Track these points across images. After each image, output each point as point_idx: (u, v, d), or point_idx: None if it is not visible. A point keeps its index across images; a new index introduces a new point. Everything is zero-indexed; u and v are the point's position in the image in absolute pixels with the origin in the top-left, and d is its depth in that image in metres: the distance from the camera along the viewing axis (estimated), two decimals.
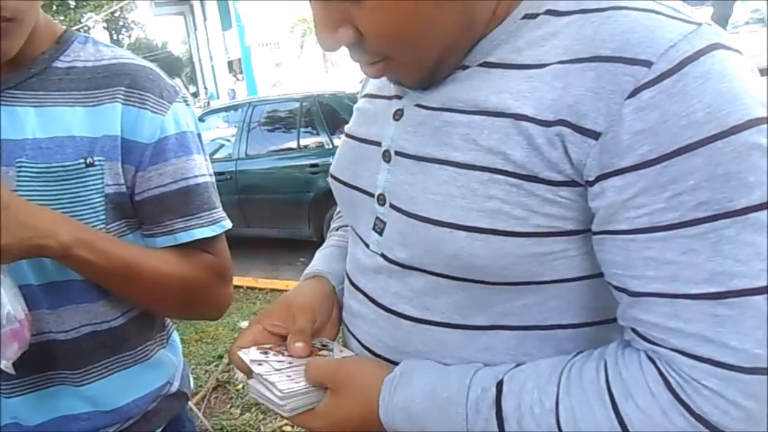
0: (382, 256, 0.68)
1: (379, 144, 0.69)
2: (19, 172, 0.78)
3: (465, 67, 0.63)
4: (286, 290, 4.55)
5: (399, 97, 0.69)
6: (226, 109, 6.79)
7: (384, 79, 0.75)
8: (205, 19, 28.23)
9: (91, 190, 0.81)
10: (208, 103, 21.12)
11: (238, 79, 22.64)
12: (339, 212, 0.95)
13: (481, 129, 0.59)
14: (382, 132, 0.69)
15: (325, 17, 0.59)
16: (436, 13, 0.57)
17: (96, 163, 0.81)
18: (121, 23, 35.67)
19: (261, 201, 5.48)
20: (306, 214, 5.22)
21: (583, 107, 0.53)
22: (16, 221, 0.71)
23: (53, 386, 0.85)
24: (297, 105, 5.70)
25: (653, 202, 0.50)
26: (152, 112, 0.84)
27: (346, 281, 0.77)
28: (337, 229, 0.95)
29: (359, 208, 0.72)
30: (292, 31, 18.16)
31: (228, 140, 5.99)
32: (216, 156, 5.92)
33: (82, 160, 0.80)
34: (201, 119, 6.61)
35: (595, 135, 0.52)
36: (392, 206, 0.66)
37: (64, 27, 0.89)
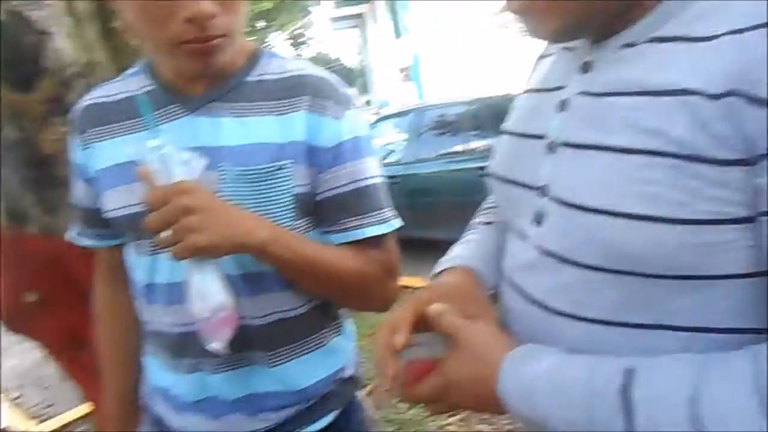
0: (539, 248, 0.67)
1: (542, 137, 0.68)
2: (221, 175, 0.89)
3: (632, 45, 0.61)
4: None
5: (561, 88, 0.68)
6: (397, 115, 7.01)
7: (547, 71, 0.76)
8: (377, 31, 29.36)
9: (282, 190, 0.90)
10: (380, 110, 21.92)
11: (408, 86, 23.23)
12: (479, 212, 0.94)
13: (642, 110, 0.57)
14: (546, 124, 0.69)
15: None
16: None
17: (286, 166, 0.90)
18: (301, 39, 38.31)
19: (430, 204, 5.58)
20: (474, 217, 5.21)
21: (756, 74, 0.49)
22: (222, 222, 0.81)
23: (248, 366, 0.95)
24: (465, 108, 5.74)
25: None
26: (332, 118, 0.92)
27: (503, 279, 0.77)
28: (471, 228, 0.93)
29: (519, 203, 0.72)
30: (459, 37, 18.27)
31: (398, 145, 6.19)
32: (387, 161, 6.14)
33: (274, 164, 0.89)
34: (373, 126, 6.91)
35: None
36: (553, 198, 0.65)
37: (253, 45, 1.00)
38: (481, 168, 5.79)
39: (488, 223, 0.91)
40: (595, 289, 0.61)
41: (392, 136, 6.46)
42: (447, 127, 5.97)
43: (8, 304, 1.76)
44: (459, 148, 5.60)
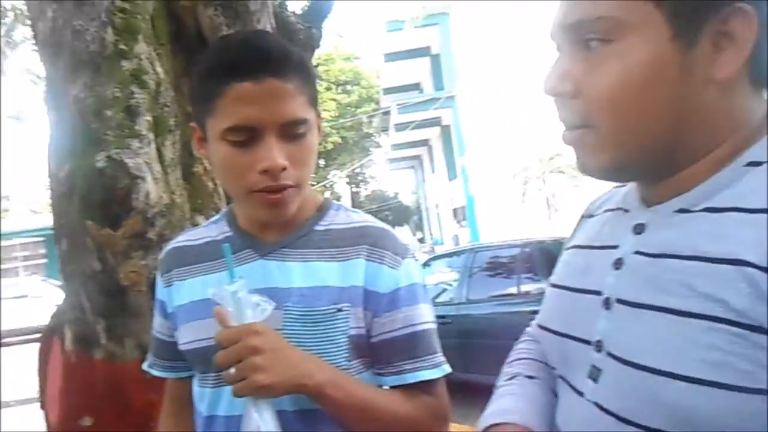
0: (597, 405, 0.66)
1: (597, 293, 0.70)
2: (285, 314, 0.96)
3: (686, 211, 0.64)
4: None
5: (615, 247, 0.71)
6: (450, 255, 7.11)
7: (596, 230, 0.79)
8: (433, 171, 30.45)
9: (339, 331, 0.96)
10: (433, 248, 22.20)
11: (461, 226, 23.64)
12: (514, 359, 0.92)
13: (698, 275, 0.58)
14: (601, 281, 0.70)
15: (557, 66, 0.66)
16: (653, 96, 0.60)
17: (344, 309, 0.96)
18: (360, 178, 40.04)
19: (481, 346, 5.47)
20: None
21: None
22: (286, 363, 0.87)
23: None
24: (518, 251, 5.78)
25: None
26: (389, 267, 0.99)
27: None
28: (527, 377, 0.87)
29: (573, 357, 0.73)
30: (514, 178, 18.78)
31: (450, 285, 6.21)
32: (438, 300, 6.15)
33: (333, 306, 0.96)
34: (426, 264, 7.00)
35: None
36: (609, 354, 0.65)
37: (324, 197, 1.11)
38: (534, 312, 5.70)
39: (531, 377, 0.87)
40: None
41: (445, 275, 6.51)
42: (500, 268, 6.00)
43: (64, 428, 1.81)
44: (512, 290, 5.58)
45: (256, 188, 0.93)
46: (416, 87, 30.51)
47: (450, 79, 22.55)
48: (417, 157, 34.46)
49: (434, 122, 24.21)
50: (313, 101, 0.98)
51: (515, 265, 5.72)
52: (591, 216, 0.86)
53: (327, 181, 34.82)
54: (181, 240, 1.13)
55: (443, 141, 25.37)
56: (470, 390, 5.40)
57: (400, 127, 24.66)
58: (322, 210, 1.06)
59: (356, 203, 37.45)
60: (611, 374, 0.65)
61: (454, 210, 25.26)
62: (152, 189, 1.61)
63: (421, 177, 35.75)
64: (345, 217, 1.06)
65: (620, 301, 0.66)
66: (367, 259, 0.99)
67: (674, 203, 0.66)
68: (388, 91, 29.58)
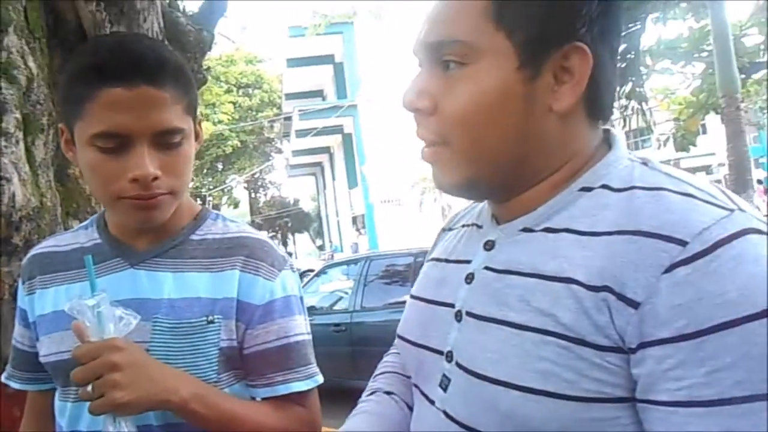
0: (444, 413, 0.69)
1: (450, 305, 0.73)
2: (154, 326, 0.93)
3: (529, 230, 0.68)
4: None
5: (468, 261, 0.74)
6: (346, 263, 7.13)
7: (453, 244, 0.82)
8: (333, 179, 30.51)
9: (209, 343, 0.94)
10: (332, 255, 22.19)
11: (361, 233, 23.81)
12: (379, 373, 0.96)
13: (534, 291, 0.62)
14: (455, 294, 0.73)
15: (416, 82, 0.69)
16: (501, 119, 0.64)
17: (215, 320, 0.95)
18: (259, 183, 39.34)
19: (374, 354, 5.43)
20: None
21: (625, 277, 0.56)
22: (147, 378, 0.84)
23: None
24: (412, 260, 5.90)
25: (692, 375, 0.52)
26: (264, 278, 0.98)
27: None
28: (386, 393, 0.90)
29: (427, 367, 0.75)
30: (412, 188, 19.17)
31: (346, 293, 6.24)
32: (334, 307, 6.15)
33: (204, 318, 0.94)
34: (323, 272, 6.99)
35: (634, 304, 0.55)
36: (458, 364, 0.68)
37: (201, 205, 1.09)
38: None
39: (388, 393, 0.90)
40: None
41: (341, 283, 6.53)
42: (395, 276, 6.09)
43: None
44: (406, 298, 5.64)
45: (125, 195, 0.90)
46: (319, 94, 30.52)
47: (353, 87, 22.73)
48: (318, 164, 34.42)
49: (336, 130, 24.29)
50: (191, 109, 0.96)
51: (409, 273, 5.82)
52: (450, 229, 0.90)
53: (225, 186, 33.96)
54: (47, 246, 1.07)
55: (344, 149, 25.49)
56: (359, 397, 5.43)
57: (302, 133, 24.54)
58: (198, 219, 1.04)
59: (255, 209, 36.83)
60: (458, 383, 0.68)
61: (354, 218, 25.42)
62: (19, 191, 1.51)
63: (322, 184, 35.73)
64: (222, 227, 1.04)
65: (469, 314, 0.70)
66: (242, 270, 0.98)
67: (519, 222, 0.70)
68: (291, 96, 29.40)
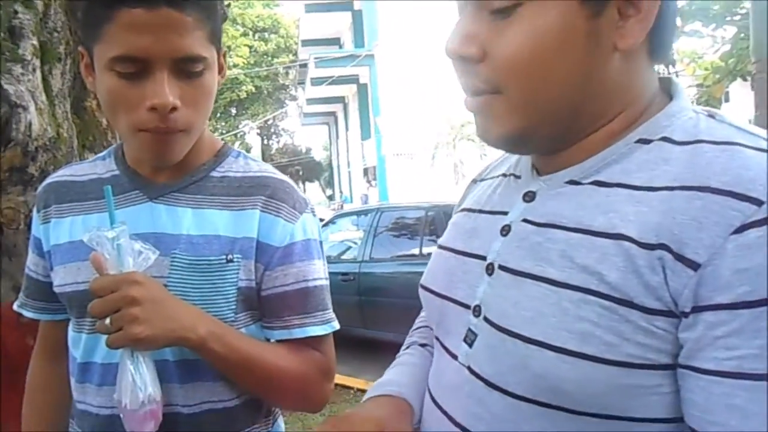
0: (469, 369, 0.67)
1: (482, 257, 0.70)
2: (172, 262, 0.92)
3: (575, 183, 0.64)
4: None
5: (505, 213, 0.70)
6: (357, 213, 7.13)
7: (487, 194, 0.78)
8: (347, 130, 30.30)
9: (228, 282, 0.93)
10: (342, 206, 22.25)
11: (371, 185, 23.77)
12: (416, 328, 0.95)
13: (579, 247, 0.58)
14: (487, 246, 0.70)
15: (461, 28, 0.62)
16: (562, 62, 0.59)
17: (235, 259, 0.93)
18: (272, 130, 39.17)
19: (381, 304, 5.58)
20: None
21: (685, 236, 0.52)
22: (166, 315, 0.83)
23: None
24: (423, 213, 5.88)
25: (745, 346, 0.48)
26: (285, 220, 0.96)
27: (427, 397, 0.76)
28: (421, 345, 0.91)
29: (451, 320, 0.72)
30: (425, 142, 19.01)
31: (355, 243, 6.26)
32: (342, 257, 6.19)
33: (224, 256, 0.92)
34: (332, 221, 7.00)
35: (694, 265, 0.51)
36: (486, 319, 0.66)
37: (223, 142, 1.05)
38: None
39: (423, 345, 0.91)
40: (519, 420, 0.60)
41: (350, 233, 6.54)
42: (404, 229, 6.10)
43: None
44: (414, 251, 5.69)
45: (143, 127, 0.86)
46: (336, 42, 30.02)
47: (371, 37, 22.32)
48: (332, 114, 34.13)
49: (352, 79, 23.97)
50: (215, 38, 0.92)
51: (419, 226, 5.82)
52: (482, 180, 0.86)
53: (238, 131, 33.83)
54: (63, 174, 1.05)
55: (359, 99, 25.20)
56: (368, 345, 5.51)
57: (317, 81, 24.24)
58: (219, 156, 1.02)
59: (267, 156, 36.74)
60: (486, 340, 0.65)
61: (365, 169, 25.34)
62: (35, 120, 1.48)
63: (335, 134, 35.51)
64: (243, 165, 1.02)
65: (502, 268, 0.66)
66: (262, 211, 0.96)
67: (564, 174, 0.66)
68: (307, 43, 28.94)
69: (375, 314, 5.50)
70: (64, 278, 0.96)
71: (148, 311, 0.81)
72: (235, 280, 0.93)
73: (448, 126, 18.35)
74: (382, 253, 5.88)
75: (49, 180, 1.05)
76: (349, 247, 6.31)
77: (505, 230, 0.69)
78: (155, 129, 0.86)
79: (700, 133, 0.59)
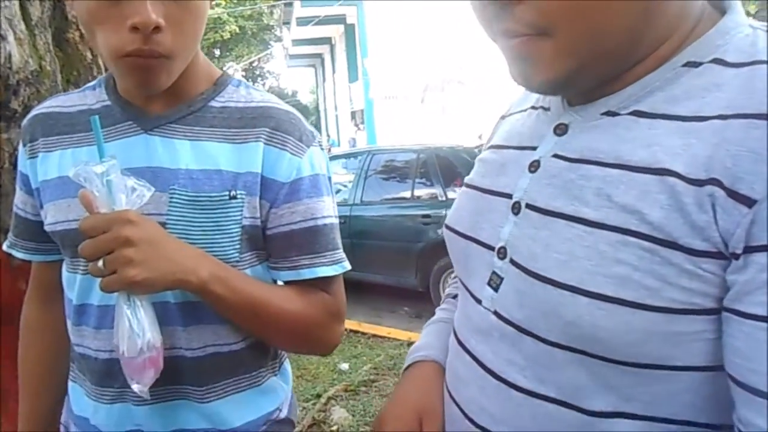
0: (496, 314, 0.63)
1: (508, 195, 0.65)
2: (171, 198, 0.86)
3: (613, 114, 0.58)
4: (387, 337, 4.52)
5: (533, 148, 0.65)
6: (347, 156, 7.06)
7: (516, 128, 0.73)
8: (333, 72, 29.73)
9: (231, 220, 0.88)
10: (329, 149, 22.03)
11: (359, 129, 23.50)
12: (452, 279, 0.91)
13: (617, 184, 0.54)
14: (513, 183, 0.65)
15: None
16: None
17: (238, 196, 0.87)
18: (257, 72, 38.34)
19: (372, 247, 5.60)
20: (414, 263, 5.27)
21: (740, 169, 0.47)
22: (163, 256, 0.77)
23: (177, 400, 0.90)
24: (414, 156, 5.83)
25: None
26: (291, 153, 0.90)
27: (452, 339, 0.74)
28: (453, 297, 0.89)
29: (474, 261, 0.69)
30: (414, 84, 18.71)
31: (345, 186, 6.22)
32: None
33: (226, 192, 0.87)
34: None
35: (749, 202, 0.46)
36: (512, 261, 0.62)
37: (221, 71, 0.98)
38: (425, 216, 5.87)
39: (456, 296, 0.86)
40: (554, 366, 0.58)
41: (341, 177, 6.49)
42: (394, 172, 6.05)
43: None
44: (405, 194, 5.66)
45: (123, 51, 0.79)
46: None
47: None
48: (318, 56, 33.41)
49: (339, 19, 23.36)
50: None
51: (410, 169, 5.77)
52: (510, 114, 0.80)
53: None
54: (50, 105, 0.97)
55: (346, 40, 24.63)
56: (359, 288, 5.55)
57: (303, 21, 23.61)
58: (218, 85, 0.95)
59: None
60: (513, 283, 0.61)
61: (353, 112, 25.01)
62: (15, 51, 1.38)
63: (322, 76, 34.88)
64: (245, 94, 0.95)
65: (530, 207, 0.62)
66: (266, 144, 0.90)
67: (600, 104, 0.60)
68: None
69: (366, 257, 5.51)
70: (55, 216, 0.91)
71: (143, 252, 0.75)
72: (239, 217, 0.88)
73: (437, 68, 18.04)
74: (373, 196, 5.85)
75: (35, 111, 0.98)
76: (339, 190, 6.26)
77: (534, 166, 0.64)
78: (137, 52, 0.78)
79: (758, 52, 0.53)
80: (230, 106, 0.92)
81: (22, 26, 1.45)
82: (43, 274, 1.04)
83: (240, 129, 0.90)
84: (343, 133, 27.02)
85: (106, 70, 1.74)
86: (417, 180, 5.64)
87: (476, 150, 5.25)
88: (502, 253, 0.63)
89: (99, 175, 0.76)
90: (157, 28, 0.77)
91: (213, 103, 0.92)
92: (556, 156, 0.62)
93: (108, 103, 0.93)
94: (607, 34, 0.53)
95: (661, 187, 0.51)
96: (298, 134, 0.92)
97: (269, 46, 36.04)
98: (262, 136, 0.90)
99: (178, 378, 0.89)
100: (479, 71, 16.37)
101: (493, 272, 0.64)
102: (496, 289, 0.64)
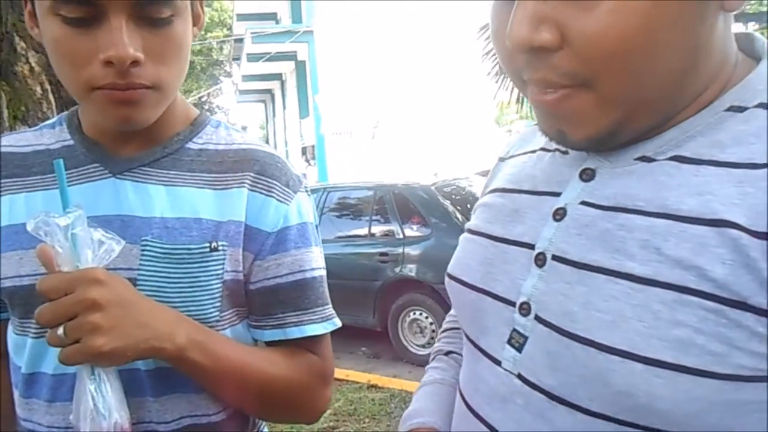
0: (520, 377, 0.57)
1: (528, 245, 0.60)
2: (143, 250, 0.76)
3: (649, 160, 0.54)
4: (346, 380, 4.39)
5: (555, 194, 0.60)
6: None
7: (522, 172, 0.68)
8: (284, 108, 29.71)
9: (211, 275, 0.78)
10: None
11: (310, 164, 23.44)
12: (443, 330, 0.85)
13: (666, 235, 0.49)
14: (534, 232, 0.60)
15: (528, 10, 0.49)
16: (672, 35, 0.48)
17: (220, 247, 0.79)
18: (206, 107, 38.00)
19: (328, 286, 5.45)
20: (372, 303, 5.17)
21: None
22: (135, 321, 0.68)
23: None
24: (370, 193, 5.78)
25: None
26: (277, 200, 0.83)
27: (459, 405, 0.67)
28: (445, 354, 0.83)
29: (489, 317, 0.63)
30: (364, 120, 18.87)
31: None
32: None
33: (207, 244, 0.78)
34: None
35: None
36: (539, 319, 0.56)
37: (198, 111, 0.90)
38: (382, 254, 5.79)
39: (449, 353, 0.81)
40: None
41: None
42: (350, 210, 5.98)
43: None
44: (361, 231, 5.59)
45: (97, 84, 0.70)
46: (273, 17, 29.28)
47: (309, 12, 21.85)
48: (268, 91, 33.38)
49: (290, 56, 23.45)
50: None
51: (365, 207, 5.72)
52: (511, 157, 0.75)
53: None
54: (1, 144, 0.86)
55: (297, 77, 24.71)
56: None
57: (253, 57, 23.58)
58: (196, 125, 0.86)
59: None
60: (541, 343, 0.56)
61: (303, 148, 24.96)
62: None
63: (272, 112, 34.78)
64: (226, 135, 0.87)
65: (558, 258, 0.57)
66: (251, 189, 0.82)
67: (634, 149, 0.56)
68: (243, 17, 28.17)
69: None
70: (4, 270, 0.79)
71: (112, 317, 0.65)
72: (221, 271, 0.79)
73: (388, 104, 18.26)
74: (327, 234, 5.75)
75: None
76: None
77: (559, 214, 0.58)
78: (111, 86, 0.70)
79: None
80: (209, 149, 0.84)
81: None
82: None
83: (221, 174, 0.82)
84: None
85: (58, 105, 1.62)
86: (373, 217, 5.58)
87: (432, 187, 5.23)
88: (525, 309, 0.58)
89: (63, 228, 0.66)
90: (136, 62, 0.69)
91: (190, 145, 0.84)
92: (584, 203, 0.57)
93: (70, 143, 0.83)
94: (654, 80, 0.50)
95: (720, 240, 0.47)
96: (285, 179, 0.84)
97: (219, 81, 35.87)
98: (246, 181, 0.82)
99: None
100: (430, 108, 16.64)
101: (514, 330, 0.59)
102: (519, 350, 0.58)
